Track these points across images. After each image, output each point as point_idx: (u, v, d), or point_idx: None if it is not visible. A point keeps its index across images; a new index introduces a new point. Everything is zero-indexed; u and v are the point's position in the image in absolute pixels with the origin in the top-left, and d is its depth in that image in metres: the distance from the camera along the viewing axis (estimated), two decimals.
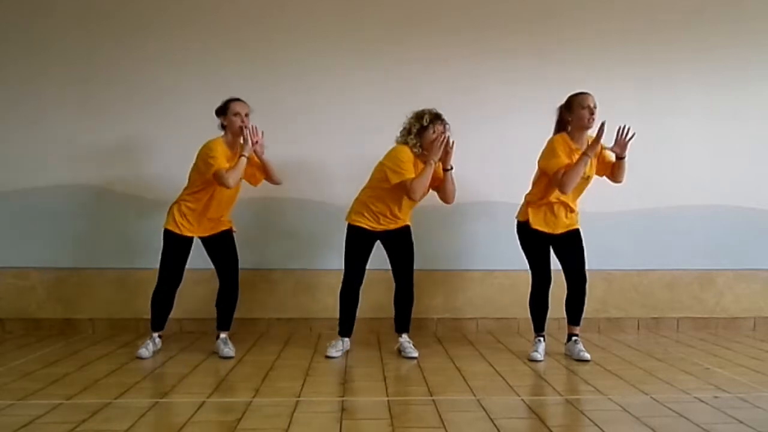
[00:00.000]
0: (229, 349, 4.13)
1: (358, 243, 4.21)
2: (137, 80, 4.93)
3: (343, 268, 4.22)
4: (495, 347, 4.47)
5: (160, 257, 4.16)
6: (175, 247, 4.14)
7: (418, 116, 4.13)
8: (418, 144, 4.11)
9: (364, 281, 4.23)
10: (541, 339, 4.18)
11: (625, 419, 2.92)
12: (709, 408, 3.07)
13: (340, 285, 4.23)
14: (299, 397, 3.20)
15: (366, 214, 4.19)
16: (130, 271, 4.89)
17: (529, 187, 4.25)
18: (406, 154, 4.09)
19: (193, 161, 4.13)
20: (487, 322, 5.07)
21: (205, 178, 4.04)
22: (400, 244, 4.25)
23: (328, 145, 4.96)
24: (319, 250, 4.97)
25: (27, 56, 4.90)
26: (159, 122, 4.95)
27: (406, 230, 4.27)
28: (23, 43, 4.90)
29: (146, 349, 4.08)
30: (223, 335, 4.23)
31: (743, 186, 5.20)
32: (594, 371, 3.80)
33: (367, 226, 4.19)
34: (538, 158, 4.10)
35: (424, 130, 4.09)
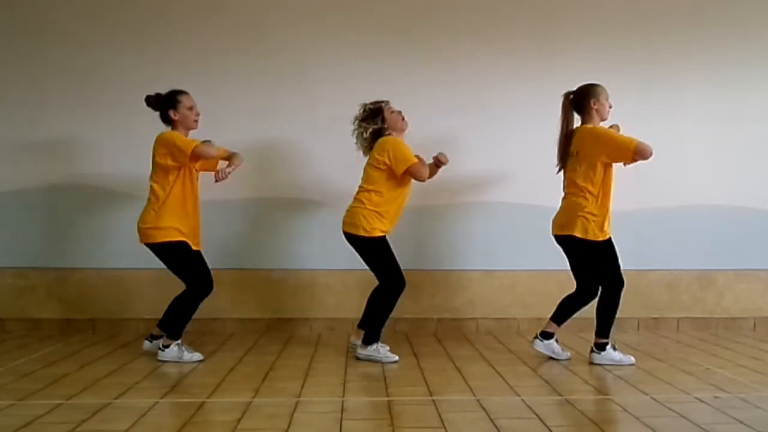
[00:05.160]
0: None
1: (389, 250, 4.05)
2: (137, 80, 4.92)
3: (389, 277, 4.01)
4: (495, 347, 4.46)
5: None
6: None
7: (372, 107, 4.17)
8: (388, 127, 4.15)
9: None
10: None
11: (625, 419, 2.92)
12: (709, 408, 3.06)
13: (390, 293, 4.02)
14: (299, 397, 3.20)
15: (385, 221, 4.05)
16: (130, 271, 4.89)
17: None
18: (400, 140, 4.10)
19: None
20: (487, 322, 5.06)
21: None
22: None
23: (328, 145, 4.96)
24: (319, 250, 4.96)
25: (26, 56, 4.90)
26: (160, 122, 4.94)
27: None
28: (23, 41, 4.90)
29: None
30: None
31: (743, 186, 5.20)
32: (594, 371, 3.80)
33: (387, 233, 4.08)
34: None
35: (381, 113, 4.14)
